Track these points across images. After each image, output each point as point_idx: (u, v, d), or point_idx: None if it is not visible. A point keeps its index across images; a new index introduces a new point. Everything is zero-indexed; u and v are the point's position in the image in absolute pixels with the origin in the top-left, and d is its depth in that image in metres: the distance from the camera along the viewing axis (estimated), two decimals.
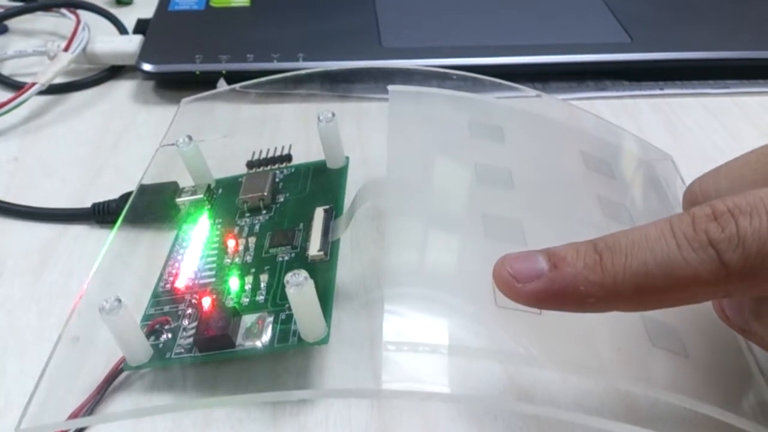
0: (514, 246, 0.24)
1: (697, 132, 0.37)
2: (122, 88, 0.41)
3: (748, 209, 0.17)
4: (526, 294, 0.19)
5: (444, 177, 0.28)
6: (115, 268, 0.27)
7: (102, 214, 0.31)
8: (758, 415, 0.21)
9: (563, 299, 0.19)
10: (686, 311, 0.25)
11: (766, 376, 0.23)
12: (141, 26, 0.44)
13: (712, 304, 0.23)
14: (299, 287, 0.21)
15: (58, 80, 0.40)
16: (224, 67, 0.39)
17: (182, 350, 0.24)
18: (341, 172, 0.30)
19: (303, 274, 0.22)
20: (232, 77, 0.38)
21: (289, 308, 0.23)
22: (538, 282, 0.19)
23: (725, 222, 0.18)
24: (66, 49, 0.40)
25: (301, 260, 0.26)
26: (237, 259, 0.27)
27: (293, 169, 0.31)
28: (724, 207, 0.18)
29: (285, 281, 0.22)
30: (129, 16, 0.46)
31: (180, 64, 0.39)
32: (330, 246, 0.26)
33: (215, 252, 0.28)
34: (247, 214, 0.29)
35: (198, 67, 0.39)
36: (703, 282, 0.18)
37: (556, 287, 0.19)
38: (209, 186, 0.31)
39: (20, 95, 0.37)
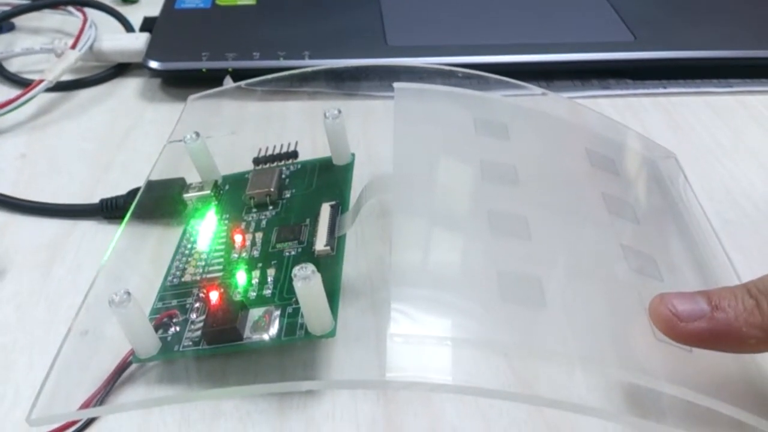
0: (520, 242, 0.25)
1: (701, 130, 0.37)
2: (129, 86, 0.41)
3: None
4: (689, 332, 0.21)
5: (449, 173, 0.28)
6: (124, 263, 0.27)
7: (110, 210, 0.31)
8: (761, 409, 0.21)
9: (725, 339, 0.21)
10: None
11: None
12: (147, 24, 0.45)
13: None
14: (307, 280, 0.22)
15: (66, 77, 0.40)
16: (230, 64, 0.39)
17: (190, 343, 0.24)
18: (347, 169, 0.30)
19: (310, 267, 0.22)
20: (239, 75, 0.38)
21: (296, 302, 0.24)
22: (700, 322, 0.21)
23: None
24: (73, 47, 0.40)
25: (307, 255, 0.26)
26: (244, 254, 0.27)
27: (299, 166, 0.31)
28: None
29: (292, 275, 0.22)
30: (135, 14, 0.46)
31: (186, 61, 0.39)
32: (336, 241, 0.26)
33: (222, 247, 0.28)
34: (254, 210, 0.29)
35: (204, 64, 0.39)
36: None
37: (719, 328, 0.21)
38: (216, 182, 0.31)
39: (28, 92, 0.37)
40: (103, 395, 0.24)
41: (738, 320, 0.20)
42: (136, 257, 0.29)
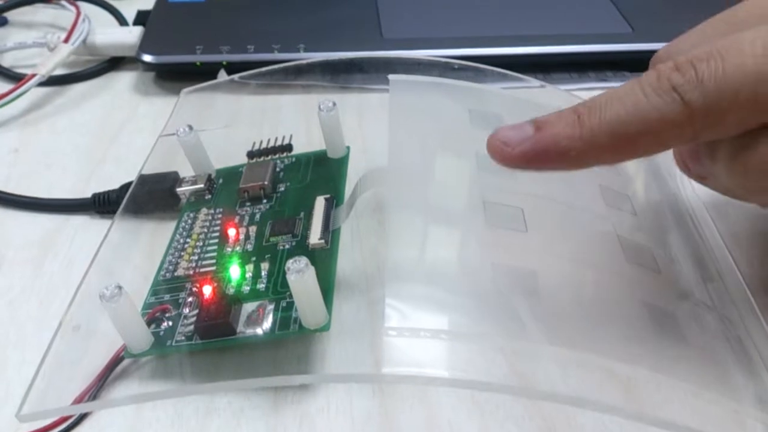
0: (516, 234, 0.24)
1: None
2: (122, 80, 0.41)
3: (705, 57, 0.19)
4: (515, 156, 0.21)
5: (445, 165, 0.28)
6: (116, 258, 0.27)
7: (102, 205, 0.31)
8: (758, 403, 0.21)
9: (547, 156, 0.21)
10: (685, 300, 0.25)
11: (767, 363, 0.23)
12: (141, 17, 0.44)
13: (675, 161, 0.25)
14: (300, 274, 0.21)
15: (58, 72, 0.40)
16: (225, 58, 0.38)
17: (183, 338, 0.23)
18: (342, 162, 0.30)
19: (304, 260, 0.22)
20: (233, 68, 0.38)
21: (290, 296, 0.23)
22: (525, 144, 0.21)
23: (685, 69, 0.19)
24: (66, 41, 0.40)
25: (301, 249, 0.26)
26: (238, 248, 0.27)
27: (294, 159, 0.31)
28: (684, 59, 0.20)
29: (286, 268, 0.22)
30: (129, 8, 0.46)
31: (180, 55, 0.39)
32: (330, 235, 0.26)
33: (216, 241, 0.28)
34: (248, 204, 0.29)
35: (198, 58, 0.39)
36: (670, 123, 0.19)
37: (540, 146, 0.21)
38: (210, 176, 0.31)
39: (20, 86, 0.37)
40: (95, 390, 0.23)
41: (558, 135, 0.20)
42: (129, 252, 0.29)
